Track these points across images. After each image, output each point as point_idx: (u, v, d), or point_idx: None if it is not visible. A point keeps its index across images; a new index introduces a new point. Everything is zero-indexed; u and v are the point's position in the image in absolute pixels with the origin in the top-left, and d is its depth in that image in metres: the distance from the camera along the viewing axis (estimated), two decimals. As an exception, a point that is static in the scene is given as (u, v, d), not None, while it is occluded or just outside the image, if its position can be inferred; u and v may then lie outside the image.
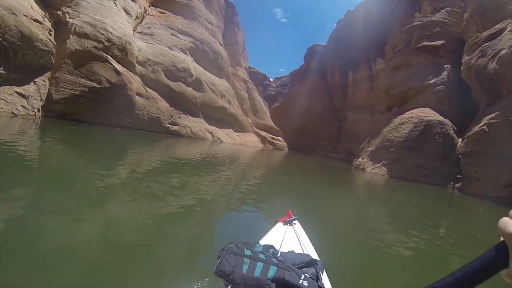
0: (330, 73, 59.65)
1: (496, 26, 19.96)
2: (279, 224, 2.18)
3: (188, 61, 26.80)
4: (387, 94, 30.33)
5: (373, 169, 23.14)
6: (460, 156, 20.52)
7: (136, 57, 20.99)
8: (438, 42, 26.96)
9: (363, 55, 49.03)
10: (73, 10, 17.08)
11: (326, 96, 59.83)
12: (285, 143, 49.88)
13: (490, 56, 18.89)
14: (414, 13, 32.03)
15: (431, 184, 19.45)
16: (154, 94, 22.10)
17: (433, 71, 25.87)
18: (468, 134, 19.46)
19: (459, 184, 19.55)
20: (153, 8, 28.98)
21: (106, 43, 17.25)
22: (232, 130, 32.84)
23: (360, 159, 26.32)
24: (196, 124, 25.60)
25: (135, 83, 19.80)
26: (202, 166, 8.85)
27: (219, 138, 28.01)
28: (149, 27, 25.74)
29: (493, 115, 17.79)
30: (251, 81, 55.10)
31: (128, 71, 19.22)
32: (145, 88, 21.23)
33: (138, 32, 24.48)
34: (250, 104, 49.13)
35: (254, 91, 53.92)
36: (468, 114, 22.46)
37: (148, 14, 27.57)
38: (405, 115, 24.16)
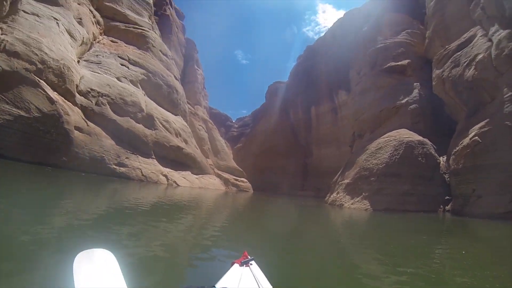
0: (292, 109, 62.30)
1: (465, 35, 20.99)
2: (235, 266, 2.24)
3: (139, 95, 25.49)
4: (356, 121, 30.56)
5: (352, 204, 21.45)
6: (447, 176, 20.05)
7: (77, 85, 19.22)
8: (404, 61, 28.87)
9: (325, 88, 52.17)
10: (8, 26, 15.67)
11: (290, 132, 61.61)
12: (250, 184, 48.94)
13: (465, 64, 19.08)
14: (375, 39, 33.97)
15: (421, 212, 18.29)
16: (98, 129, 19.98)
17: (404, 91, 26.90)
18: (456, 149, 18.57)
19: (449, 206, 18.84)
20: (105, 36, 28.04)
21: (40, 65, 15.63)
22: (190, 173, 30.86)
23: (334, 194, 24.89)
24: (147, 165, 23.35)
25: (74, 115, 17.74)
26: (154, 214, 7.89)
27: (175, 182, 25.73)
28: (97, 55, 24.44)
29: (482, 123, 16.95)
30: (211, 121, 54.83)
31: (65, 100, 17.35)
32: (86, 122, 19.12)
33: (85, 60, 23.10)
34: (210, 145, 48.13)
35: (215, 131, 53.44)
36: (444, 131, 22.89)
37: (98, 42, 26.35)
38: (382, 139, 23.52)
